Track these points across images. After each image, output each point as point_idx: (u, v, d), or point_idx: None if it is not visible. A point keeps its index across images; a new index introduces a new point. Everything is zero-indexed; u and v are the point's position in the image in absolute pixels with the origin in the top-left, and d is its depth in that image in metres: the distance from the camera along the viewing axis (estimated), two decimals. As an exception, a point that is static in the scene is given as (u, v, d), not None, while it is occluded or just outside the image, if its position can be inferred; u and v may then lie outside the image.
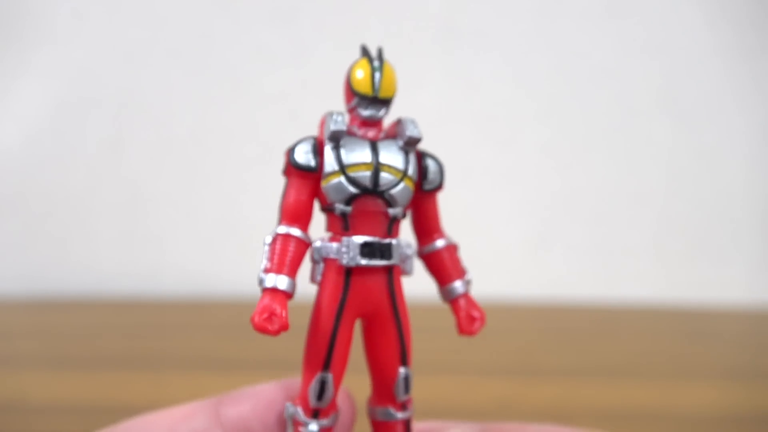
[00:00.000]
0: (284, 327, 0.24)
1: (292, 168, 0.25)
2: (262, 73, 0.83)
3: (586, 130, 0.84)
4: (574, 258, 0.86)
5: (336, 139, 0.24)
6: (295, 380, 0.27)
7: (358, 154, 0.24)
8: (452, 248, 0.28)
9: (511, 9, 0.82)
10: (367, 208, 0.24)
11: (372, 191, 0.24)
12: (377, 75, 0.25)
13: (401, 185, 0.24)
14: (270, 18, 0.83)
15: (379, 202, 0.24)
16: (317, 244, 0.25)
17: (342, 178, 0.24)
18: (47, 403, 0.51)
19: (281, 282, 0.24)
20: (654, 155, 0.85)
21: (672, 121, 0.84)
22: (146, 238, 0.86)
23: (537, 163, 0.85)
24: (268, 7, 0.82)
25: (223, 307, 0.80)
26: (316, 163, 0.24)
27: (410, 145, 0.25)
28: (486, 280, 0.86)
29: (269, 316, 0.24)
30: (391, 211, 0.25)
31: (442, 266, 0.27)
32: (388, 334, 0.26)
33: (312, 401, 0.25)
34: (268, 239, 0.25)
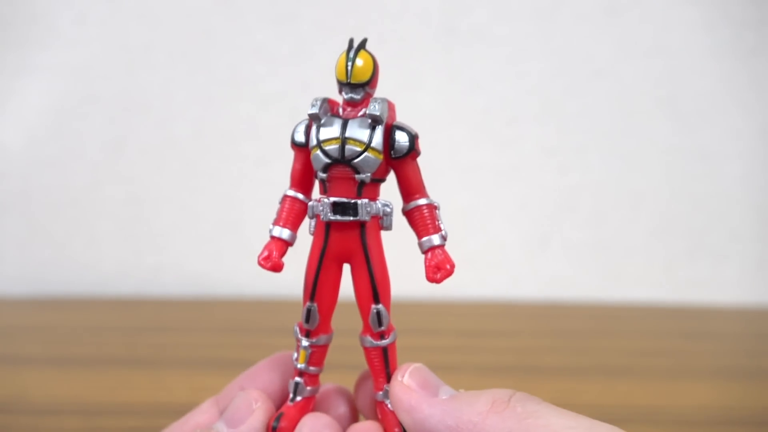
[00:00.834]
0: (276, 267, 0.30)
1: (293, 144, 0.32)
2: (262, 72, 0.83)
3: (586, 130, 0.84)
4: (574, 258, 0.86)
5: (317, 119, 0.30)
6: (284, 354, 0.34)
7: (329, 130, 0.30)
8: (431, 207, 0.31)
9: (511, 9, 0.82)
10: (338, 174, 0.30)
11: (340, 161, 0.30)
12: (349, 64, 0.30)
13: (364, 155, 0.30)
14: (270, 18, 0.83)
15: (348, 169, 0.30)
16: (311, 203, 0.31)
17: (318, 151, 0.30)
18: (48, 402, 0.51)
19: (284, 233, 0.31)
20: (654, 155, 0.85)
21: (672, 121, 0.84)
22: (146, 238, 0.86)
23: (537, 163, 0.85)
24: (268, 6, 0.82)
25: (223, 307, 0.80)
26: (305, 138, 0.31)
27: (375, 122, 0.30)
28: (486, 280, 0.87)
29: (266, 256, 0.31)
30: (358, 177, 0.30)
31: (419, 221, 0.31)
32: (363, 277, 0.31)
33: (303, 324, 0.32)
34: (279, 199, 0.32)
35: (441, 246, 0.31)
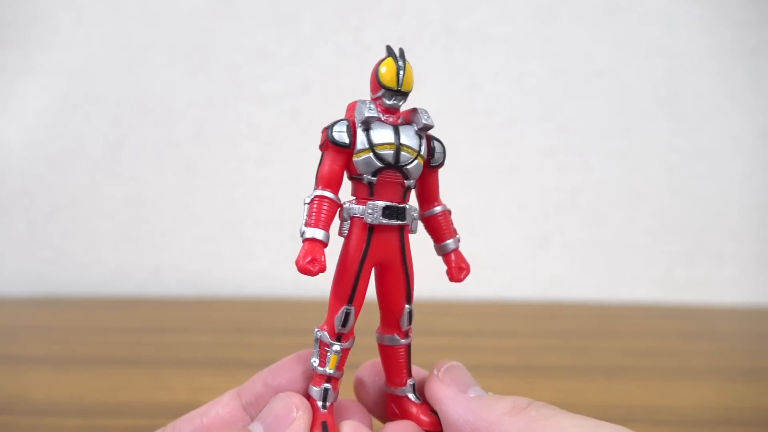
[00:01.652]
0: (323, 269, 0.29)
1: (330, 143, 0.30)
2: (262, 73, 0.83)
3: (586, 130, 0.84)
4: (574, 258, 0.86)
5: (368, 123, 0.30)
6: (308, 351, 0.32)
7: (384, 136, 0.30)
8: (447, 213, 0.33)
9: (511, 9, 0.83)
10: (389, 179, 0.31)
11: (393, 166, 0.30)
12: (401, 72, 0.30)
13: (415, 162, 0.31)
14: (270, 18, 0.83)
15: (398, 174, 0.30)
16: (346, 205, 0.31)
17: (371, 155, 0.30)
18: (48, 402, 0.51)
19: (318, 233, 0.30)
20: (654, 155, 0.85)
21: (672, 121, 0.84)
22: (146, 239, 0.86)
23: (537, 163, 0.85)
24: (268, 7, 0.82)
25: (223, 307, 0.80)
26: (350, 140, 0.30)
27: (424, 130, 0.31)
28: (486, 280, 0.87)
29: (312, 259, 0.29)
30: (407, 182, 0.31)
31: (439, 227, 0.33)
32: (398, 279, 0.32)
33: (337, 327, 0.31)
34: (307, 200, 0.31)
35: (457, 249, 0.33)
